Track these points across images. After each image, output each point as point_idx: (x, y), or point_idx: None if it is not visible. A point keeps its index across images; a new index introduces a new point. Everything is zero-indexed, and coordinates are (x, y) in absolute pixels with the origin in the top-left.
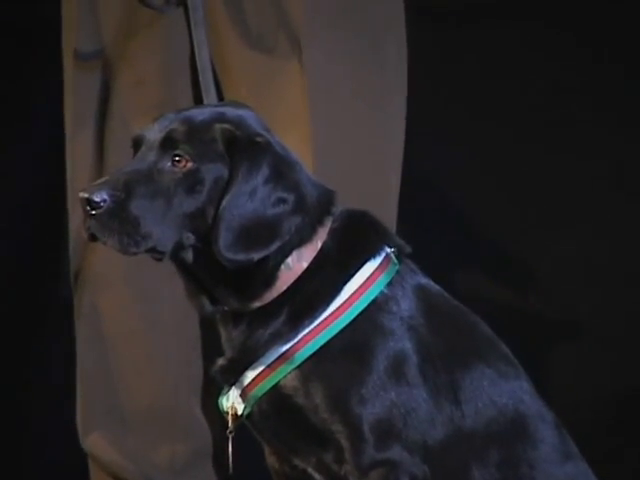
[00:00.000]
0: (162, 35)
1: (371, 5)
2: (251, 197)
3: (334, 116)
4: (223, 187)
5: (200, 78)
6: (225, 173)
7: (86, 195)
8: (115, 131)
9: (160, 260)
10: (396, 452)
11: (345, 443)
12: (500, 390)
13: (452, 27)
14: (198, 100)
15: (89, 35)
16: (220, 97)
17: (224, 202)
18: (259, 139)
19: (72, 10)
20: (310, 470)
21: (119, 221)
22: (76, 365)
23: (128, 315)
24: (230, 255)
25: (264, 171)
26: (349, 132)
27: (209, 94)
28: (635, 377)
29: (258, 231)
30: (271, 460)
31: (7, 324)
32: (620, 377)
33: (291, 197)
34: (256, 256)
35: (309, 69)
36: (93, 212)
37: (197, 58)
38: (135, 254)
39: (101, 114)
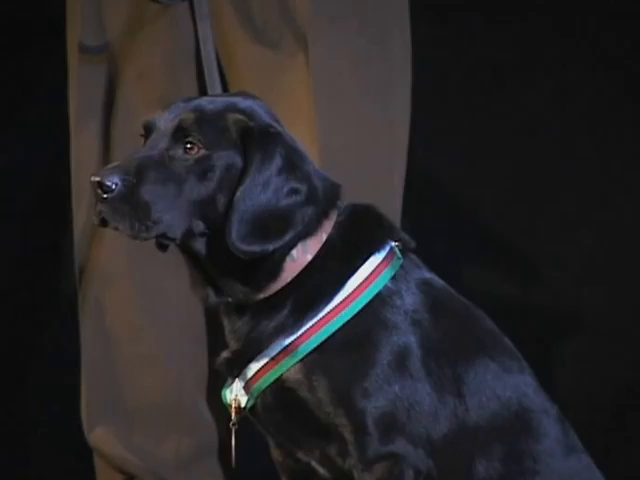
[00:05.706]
0: (167, 29)
1: (376, 0)
2: (264, 188)
3: (339, 110)
4: (234, 175)
5: (205, 72)
6: (237, 161)
7: (98, 179)
8: (119, 125)
9: (165, 249)
10: (400, 445)
11: (349, 436)
12: (504, 384)
13: (459, 21)
14: (203, 94)
15: (94, 29)
16: (225, 91)
17: (238, 193)
18: (272, 130)
19: (77, 4)
20: (314, 463)
21: (130, 206)
22: (80, 360)
23: (133, 310)
24: (244, 246)
25: (277, 162)
26: (354, 126)
27: (214, 88)
28: (639, 372)
29: (272, 222)
30: (275, 453)
31: (11, 320)
32: (624, 372)
33: (304, 187)
34: (271, 247)
35: (314, 63)
36: (105, 196)
37: (202, 52)
38: (146, 239)
39: (105, 108)
